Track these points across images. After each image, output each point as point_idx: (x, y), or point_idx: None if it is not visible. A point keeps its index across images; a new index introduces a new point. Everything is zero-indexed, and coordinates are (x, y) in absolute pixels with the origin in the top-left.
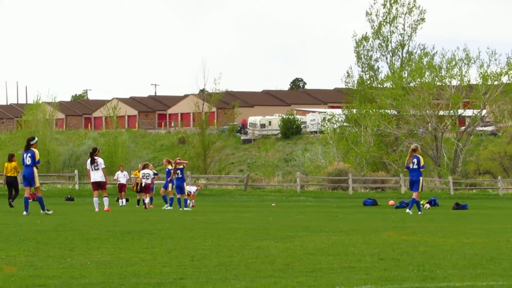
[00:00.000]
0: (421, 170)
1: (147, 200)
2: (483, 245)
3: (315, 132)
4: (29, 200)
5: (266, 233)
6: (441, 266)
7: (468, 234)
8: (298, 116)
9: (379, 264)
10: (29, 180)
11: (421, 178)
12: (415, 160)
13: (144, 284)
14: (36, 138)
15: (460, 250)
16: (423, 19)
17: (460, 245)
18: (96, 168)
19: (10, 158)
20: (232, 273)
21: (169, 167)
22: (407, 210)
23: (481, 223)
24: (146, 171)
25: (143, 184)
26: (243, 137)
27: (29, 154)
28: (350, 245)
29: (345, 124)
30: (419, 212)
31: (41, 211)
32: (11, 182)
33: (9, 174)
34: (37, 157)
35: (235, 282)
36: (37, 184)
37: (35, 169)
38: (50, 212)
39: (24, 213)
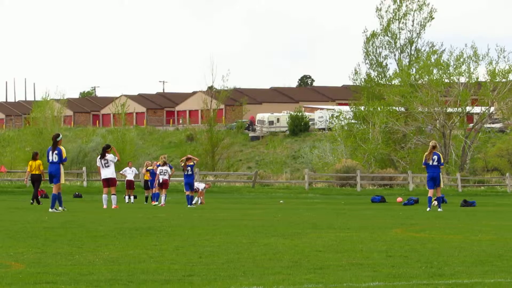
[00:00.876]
0: (440, 167)
1: (163, 197)
2: (491, 242)
3: (323, 129)
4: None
5: (274, 230)
6: (449, 263)
7: (476, 231)
8: (306, 113)
9: (387, 261)
10: (54, 177)
11: (440, 174)
12: (435, 157)
13: (152, 281)
14: (61, 135)
15: (468, 247)
16: (432, 17)
17: (468, 242)
18: (106, 165)
19: (35, 156)
20: (240, 270)
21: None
22: (439, 209)
23: (489, 220)
24: (164, 167)
25: (160, 180)
26: (251, 134)
27: (55, 152)
28: (358, 242)
29: (353, 121)
30: (428, 209)
31: (50, 209)
32: (36, 180)
33: (34, 172)
34: (64, 154)
35: (243, 279)
36: (62, 182)
37: (61, 166)
38: (58, 210)
39: (60, 208)
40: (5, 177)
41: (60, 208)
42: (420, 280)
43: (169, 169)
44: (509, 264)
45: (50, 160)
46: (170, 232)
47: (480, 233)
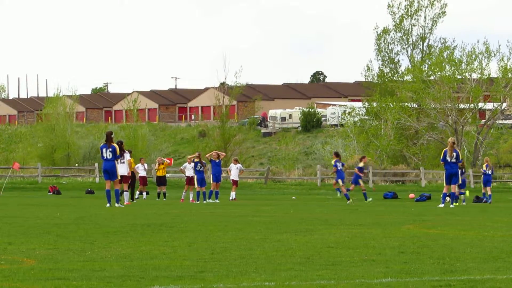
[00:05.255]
0: (459, 164)
1: (192, 194)
2: (503, 238)
3: (336, 125)
4: (50, 193)
5: (286, 227)
6: (461, 259)
7: (488, 227)
8: (319, 109)
9: (400, 257)
10: (110, 174)
11: (458, 171)
12: (454, 154)
13: (164, 277)
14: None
15: (480, 243)
16: (444, 13)
17: (480, 238)
18: (122, 161)
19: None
20: (252, 266)
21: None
22: (451, 205)
23: (501, 216)
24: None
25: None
26: (263, 130)
27: (109, 149)
28: (370, 238)
29: (365, 117)
30: (441, 205)
31: (116, 204)
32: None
33: None
34: (119, 152)
35: (255, 275)
36: (118, 178)
37: (116, 163)
38: (123, 205)
39: (108, 205)
40: (17, 173)
41: (116, 204)
42: (432, 276)
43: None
44: None
45: (105, 158)
46: (182, 228)
47: (492, 229)
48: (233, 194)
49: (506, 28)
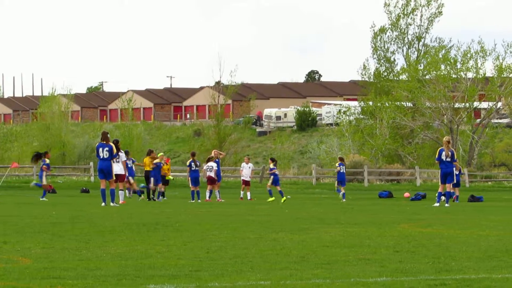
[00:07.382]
0: (454, 163)
1: (217, 194)
2: (499, 237)
3: (331, 124)
4: (44, 192)
5: (281, 225)
6: (457, 258)
7: (484, 226)
8: (314, 109)
9: (395, 256)
10: (106, 173)
11: (454, 170)
12: (449, 153)
13: (160, 276)
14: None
15: (475, 242)
16: (440, 13)
17: (476, 237)
18: (117, 160)
19: (149, 153)
20: (247, 265)
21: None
22: (446, 204)
23: (496, 215)
24: (210, 163)
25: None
26: (258, 129)
27: (106, 148)
28: (365, 237)
29: (360, 116)
30: (436, 204)
31: (111, 203)
32: (149, 176)
33: (147, 168)
34: (115, 151)
35: (250, 274)
36: (113, 177)
37: (112, 163)
38: (119, 205)
39: (103, 204)
40: (13, 172)
41: (112, 203)
42: (428, 276)
43: (214, 165)
44: None
45: (101, 157)
46: (178, 227)
47: (488, 229)
48: (248, 194)
49: (502, 28)
